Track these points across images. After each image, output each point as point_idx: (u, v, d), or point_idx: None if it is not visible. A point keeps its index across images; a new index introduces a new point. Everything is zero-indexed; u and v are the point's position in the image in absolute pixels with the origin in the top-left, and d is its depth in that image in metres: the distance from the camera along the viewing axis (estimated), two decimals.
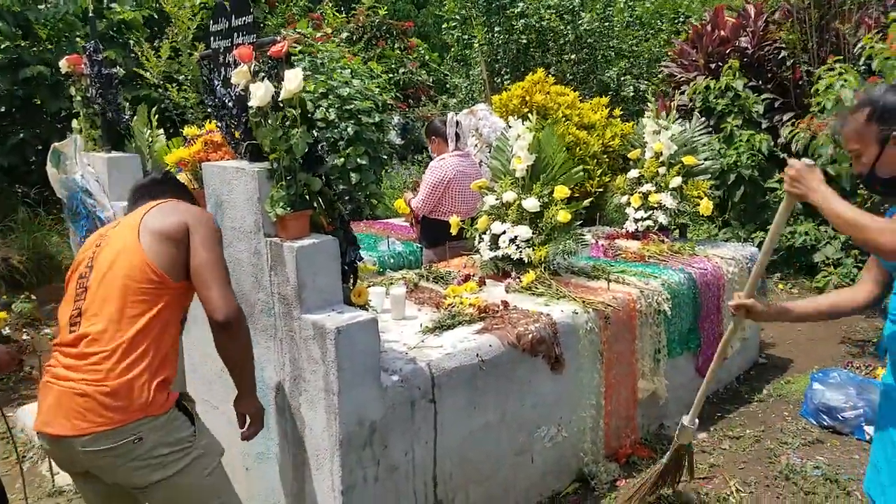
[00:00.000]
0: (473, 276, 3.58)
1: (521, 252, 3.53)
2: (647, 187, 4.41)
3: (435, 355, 2.58)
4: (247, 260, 2.50)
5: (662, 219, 4.30)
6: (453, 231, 3.83)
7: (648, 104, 4.57)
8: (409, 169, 8.36)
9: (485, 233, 3.72)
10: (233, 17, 2.40)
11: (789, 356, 4.62)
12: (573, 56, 9.23)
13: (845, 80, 4.83)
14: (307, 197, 2.34)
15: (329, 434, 2.27)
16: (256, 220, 2.39)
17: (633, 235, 4.45)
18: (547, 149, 3.72)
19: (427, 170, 4.46)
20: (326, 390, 2.24)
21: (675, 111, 4.52)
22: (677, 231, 4.53)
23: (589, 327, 3.09)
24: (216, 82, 2.59)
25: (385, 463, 2.38)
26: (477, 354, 2.67)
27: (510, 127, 3.86)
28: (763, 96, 6.26)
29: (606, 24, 9.47)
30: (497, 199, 3.73)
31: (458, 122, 4.50)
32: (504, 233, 3.62)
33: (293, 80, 2.14)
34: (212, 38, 2.57)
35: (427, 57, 10.92)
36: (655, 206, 4.34)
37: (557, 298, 3.25)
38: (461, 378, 2.60)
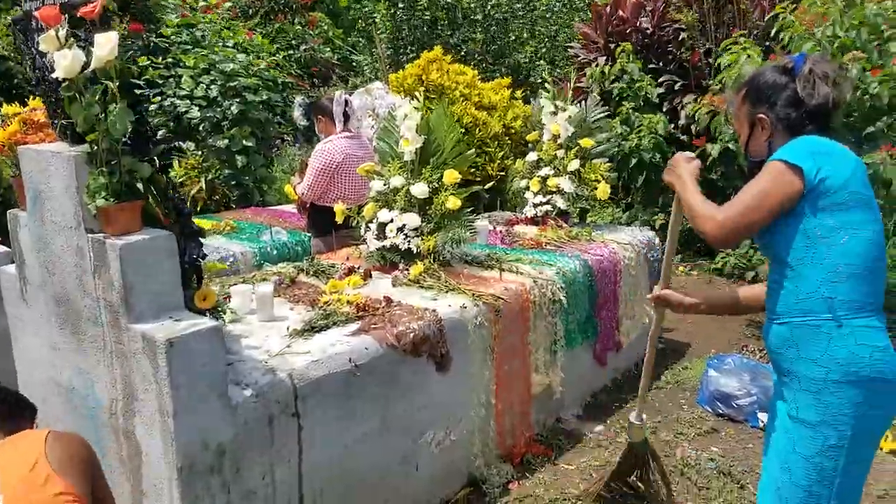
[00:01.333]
0: (358, 268, 3.30)
1: (409, 242, 3.29)
2: (545, 171, 4.24)
3: (300, 363, 2.30)
4: (69, 260, 2.13)
5: (561, 203, 4.15)
6: (339, 219, 3.54)
7: (546, 85, 4.39)
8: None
9: (371, 221, 3.45)
10: None
11: (688, 340, 4.60)
12: (482, 35, 9.02)
13: (748, 55, 4.70)
14: (138, 185, 2.00)
15: (167, 461, 1.95)
16: (76, 212, 2.03)
17: (533, 221, 4.28)
18: (438, 130, 3.48)
19: (313, 153, 4.13)
20: (161, 411, 1.92)
21: (571, 93, 4.36)
22: (578, 215, 4.39)
23: (478, 322, 2.88)
24: (34, 51, 2.19)
25: (238, 489, 2.09)
26: (350, 359, 2.41)
27: (399, 106, 3.59)
28: (663, 78, 6.22)
29: (518, 4, 9.30)
30: (385, 185, 3.46)
31: (346, 101, 4.18)
32: (392, 221, 3.36)
33: (105, 45, 1.79)
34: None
35: (331, 33, 10.44)
36: (554, 190, 4.18)
37: (446, 291, 3.02)
38: (331, 387, 2.33)
